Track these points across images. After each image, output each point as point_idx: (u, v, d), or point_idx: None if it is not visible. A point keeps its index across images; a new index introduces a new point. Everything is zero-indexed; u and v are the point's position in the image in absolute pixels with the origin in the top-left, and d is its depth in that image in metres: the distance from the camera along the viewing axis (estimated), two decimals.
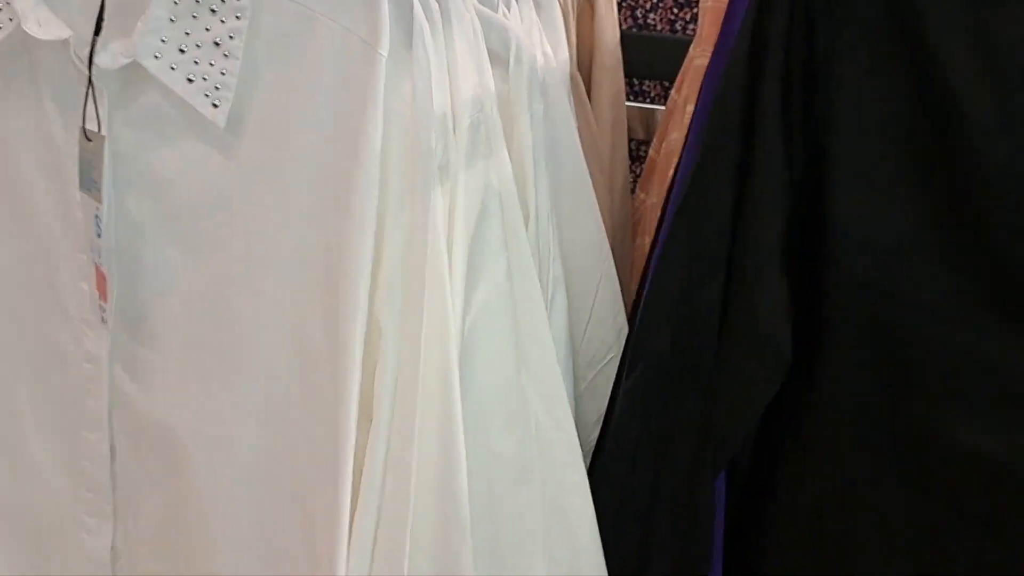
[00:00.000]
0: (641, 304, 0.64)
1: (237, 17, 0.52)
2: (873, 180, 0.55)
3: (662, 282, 0.62)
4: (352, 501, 0.54)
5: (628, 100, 0.96)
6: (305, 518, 0.56)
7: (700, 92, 0.68)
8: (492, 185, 0.57)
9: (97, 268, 0.60)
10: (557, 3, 0.73)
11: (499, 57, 0.60)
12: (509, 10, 0.64)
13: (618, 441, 0.65)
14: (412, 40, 0.52)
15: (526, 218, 0.61)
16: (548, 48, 0.69)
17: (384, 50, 0.51)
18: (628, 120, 0.96)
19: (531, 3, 0.69)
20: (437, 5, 0.55)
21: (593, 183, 0.81)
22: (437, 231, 0.53)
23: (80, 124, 0.57)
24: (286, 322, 0.56)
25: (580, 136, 0.80)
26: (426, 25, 0.53)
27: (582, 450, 0.74)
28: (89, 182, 0.58)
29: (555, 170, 0.69)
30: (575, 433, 0.64)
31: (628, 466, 0.64)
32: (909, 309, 0.55)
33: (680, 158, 0.69)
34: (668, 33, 0.98)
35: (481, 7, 0.60)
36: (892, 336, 0.56)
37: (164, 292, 0.59)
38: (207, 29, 0.53)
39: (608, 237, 0.84)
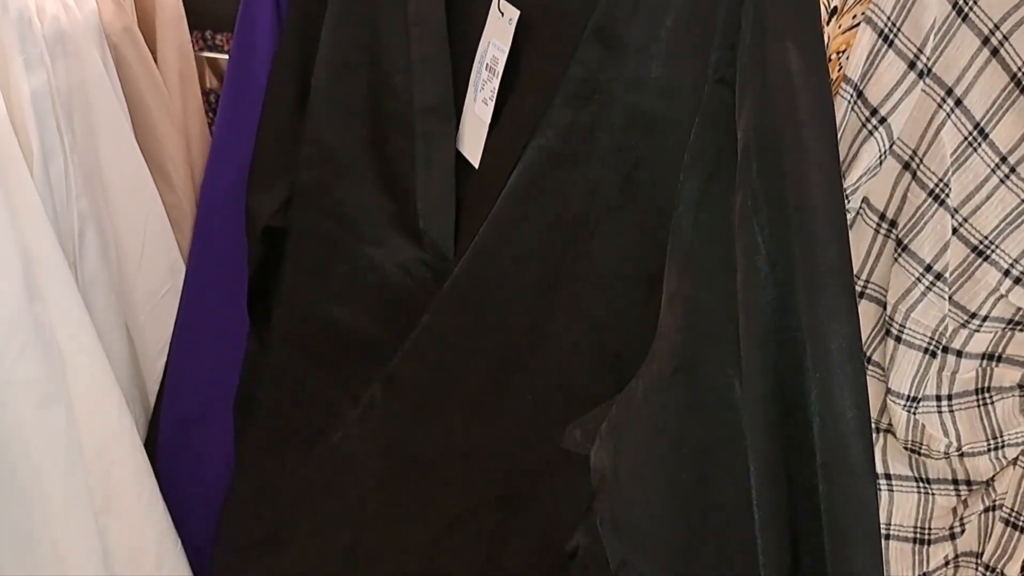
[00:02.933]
0: None
1: None
2: (333, 103, 0.65)
3: None
4: None
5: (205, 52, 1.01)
6: None
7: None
8: None
9: None
10: None
11: None
12: None
13: None
14: None
15: (28, 155, 0.65)
16: (70, 0, 0.73)
17: None
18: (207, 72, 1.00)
19: None
20: None
21: (162, 130, 0.86)
22: None
23: None
24: None
25: (142, 86, 0.85)
26: None
27: (151, 375, 0.80)
28: None
29: (86, 114, 0.73)
30: (104, 356, 0.69)
31: None
32: (337, 217, 0.66)
33: None
34: None
35: None
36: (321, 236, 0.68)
37: None
38: None
39: (188, 182, 0.89)
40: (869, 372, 0.66)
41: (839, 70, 0.58)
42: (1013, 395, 0.64)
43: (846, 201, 0.61)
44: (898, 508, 0.68)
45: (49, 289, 0.65)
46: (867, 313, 0.65)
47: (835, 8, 0.59)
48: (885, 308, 0.64)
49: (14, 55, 0.64)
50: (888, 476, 0.68)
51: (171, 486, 0.74)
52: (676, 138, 0.48)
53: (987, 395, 0.65)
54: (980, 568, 0.69)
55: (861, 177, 0.60)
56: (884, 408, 0.67)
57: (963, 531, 0.69)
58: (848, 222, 0.63)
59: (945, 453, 0.65)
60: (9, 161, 0.63)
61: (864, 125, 0.58)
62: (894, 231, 0.62)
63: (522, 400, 0.57)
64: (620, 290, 0.52)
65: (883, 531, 0.69)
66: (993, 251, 0.60)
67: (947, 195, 0.59)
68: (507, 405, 0.58)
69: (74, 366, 0.67)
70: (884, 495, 0.68)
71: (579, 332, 0.54)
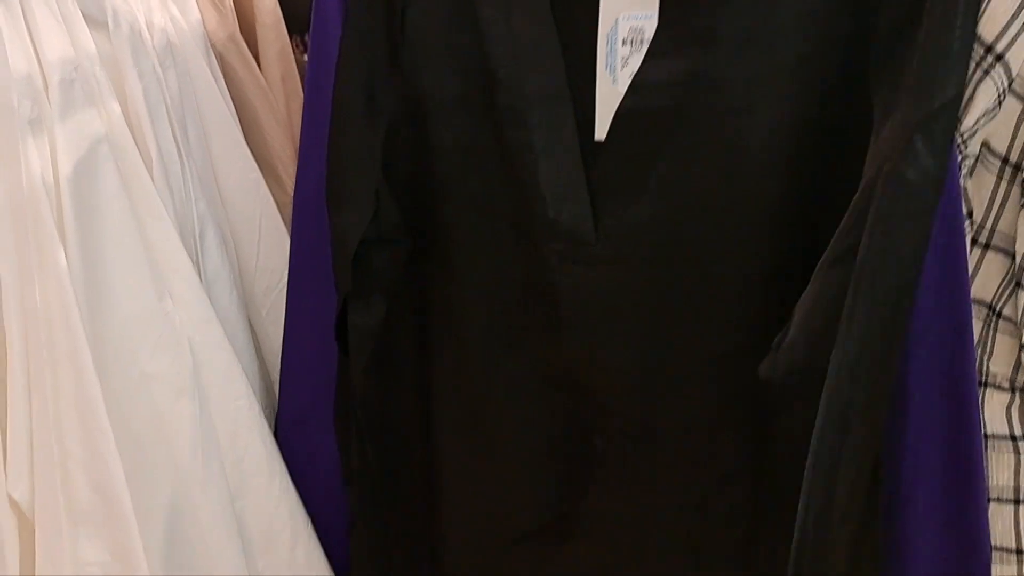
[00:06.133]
0: None
1: None
2: (442, 103, 0.65)
3: None
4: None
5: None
6: None
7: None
8: (99, 133, 0.64)
9: None
10: None
11: (97, 21, 0.67)
12: None
13: None
14: None
15: (148, 161, 0.68)
16: (175, 12, 0.76)
17: None
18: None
19: None
20: None
21: (269, 132, 0.89)
22: (34, 178, 0.59)
23: None
24: None
25: (248, 90, 0.88)
26: None
27: (275, 368, 0.83)
28: None
29: (198, 120, 0.77)
30: (231, 350, 0.72)
31: None
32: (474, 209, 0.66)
33: None
34: None
35: None
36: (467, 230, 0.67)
37: None
38: None
39: (292, 180, 0.92)
40: (1000, 328, 0.63)
41: None
42: None
43: (963, 147, 0.58)
44: None
45: (176, 287, 0.69)
46: (993, 264, 0.62)
47: None
48: (1014, 259, 0.61)
49: (128, 68, 0.68)
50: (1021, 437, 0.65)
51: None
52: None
53: None
54: None
55: (979, 120, 0.57)
56: (1019, 365, 0.63)
57: None
58: (967, 170, 0.60)
59: None
60: (132, 168, 0.66)
61: (979, 64, 0.55)
62: (1020, 174, 0.59)
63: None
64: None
65: (1015, 495, 0.66)
66: None
67: None
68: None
69: (203, 360, 0.70)
70: (1013, 457, 0.65)
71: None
